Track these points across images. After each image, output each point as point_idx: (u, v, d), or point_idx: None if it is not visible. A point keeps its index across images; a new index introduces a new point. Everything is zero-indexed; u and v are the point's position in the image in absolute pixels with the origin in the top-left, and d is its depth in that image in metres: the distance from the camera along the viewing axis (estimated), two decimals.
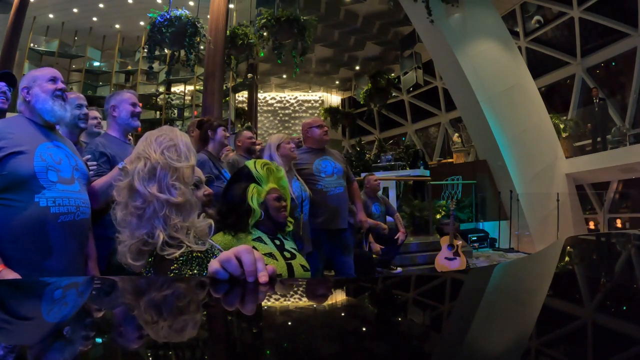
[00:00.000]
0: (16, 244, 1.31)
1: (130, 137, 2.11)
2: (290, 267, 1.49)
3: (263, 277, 0.65)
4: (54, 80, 1.50)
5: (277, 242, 1.57)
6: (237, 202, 1.52)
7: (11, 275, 1.24)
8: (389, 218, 4.71)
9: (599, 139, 7.79)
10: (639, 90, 7.68)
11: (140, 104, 2.01)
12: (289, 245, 1.62)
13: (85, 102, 2.09)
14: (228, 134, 2.59)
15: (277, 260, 1.47)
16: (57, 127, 1.61)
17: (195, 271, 0.93)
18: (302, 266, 1.55)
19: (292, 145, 2.64)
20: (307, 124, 2.85)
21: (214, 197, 1.56)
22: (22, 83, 1.50)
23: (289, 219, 1.63)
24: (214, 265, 0.67)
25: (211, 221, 1.06)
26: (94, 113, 2.48)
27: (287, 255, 1.54)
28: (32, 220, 1.32)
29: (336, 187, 2.73)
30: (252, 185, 1.54)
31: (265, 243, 1.53)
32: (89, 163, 1.71)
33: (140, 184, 0.96)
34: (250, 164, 1.61)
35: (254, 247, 1.43)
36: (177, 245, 0.95)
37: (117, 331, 0.53)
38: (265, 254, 1.46)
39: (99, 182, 1.68)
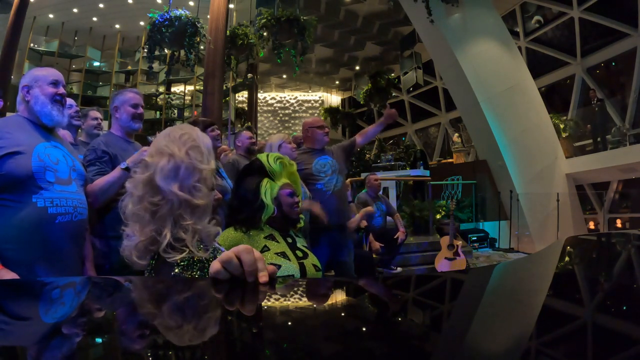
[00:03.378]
0: (13, 244, 1.30)
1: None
2: (302, 267, 1.45)
3: (263, 277, 0.66)
4: (55, 83, 1.49)
5: (289, 240, 1.52)
6: (249, 197, 1.46)
7: (9, 275, 1.24)
8: (389, 218, 4.73)
9: (598, 139, 7.81)
10: (639, 90, 7.67)
11: (142, 106, 2.01)
12: (301, 242, 1.57)
13: (73, 102, 2.10)
14: (217, 132, 2.55)
15: (289, 260, 1.43)
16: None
17: (197, 275, 0.92)
18: (314, 266, 1.50)
19: (294, 145, 2.65)
20: (308, 124, 2.84)
21: (219, 187, 1.52)
22: (23, 81, 1.48)
23: (301, 215, 1.58)
24: (215, 265, 0.68)
25: (219, 228, 1.04)
26: (95, 114, 2.48)
27: (299, 254, 1.49)
28: (30, 221, 1.32)
29: (335, 183, 2.74)
30: (266, 180, 1.48)
31: (278, 241, 1.47)
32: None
33: (163, 181, 0.94)
34: (262, 157, 1.54)
35: (266, 246, 1.43)
36: (180, 248, 0.93)
37: (118, 330, 0.52)
38: (277, 253, 1.43)
39: (100, 182, 1.68)
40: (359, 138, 2.96)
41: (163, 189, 0.94)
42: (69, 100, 2.10)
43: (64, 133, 1.99)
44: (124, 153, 1.82)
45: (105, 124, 2.59)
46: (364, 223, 3.07)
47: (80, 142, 2.44)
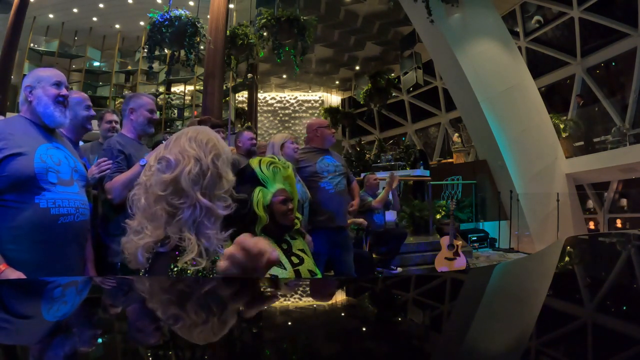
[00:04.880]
0: (16, 244, 1.31)
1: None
2: (298, 275, 1.41)
3: (274, 254, 0.67)
4: (58, 84, 1.50)
5: (285, 246, 1.47)
6: (241, 208, 1.38)
7: (14, 274, 1.25)
8: (388, 217, 4.75)
9: (594, 140, 7.88)
10: (639, 90, 7.67)
11: (156, 111, 2.04)
12: (297, 246, 1.52)
13: (91, 103, 2.12)
14: (222, 135, 2.60)
15: (285, 269, 1.39)
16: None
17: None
18: (310, 271, 1.46)
19: (296, 145, 2.66)
20: (315, 124, 2.87)
21: (242, 197, 1.48)
22: (25, 81, 1.49)
23: (297, 215, 1.52)
24: (221, 264, 0.68)
25: (229, 241, 1.02)
26: (110, 116, 2.50)
27: (295, 260, 1.45)
28: (32, 222, 1.32)
29: (337, 184, 2.76)
30: (258, 189, 1.42)
31: None
32: (103, 163, 1.75)
33: (189, 184, 0.92)
34: (254, 163, 1.48)
35: None
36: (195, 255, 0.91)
37: (122, 329, 0.53)
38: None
39: (120, 178, 1.72)
40: (357, 189, 3.12)
41: (188, 192, 0.92)
42: (88, 100, 2.12)
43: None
44: (137, 154, 1.87)
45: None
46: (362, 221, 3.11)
47: (97, 145, 2.47)
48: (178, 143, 0.98)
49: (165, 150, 0.98)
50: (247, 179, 1.45)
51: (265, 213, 1.40)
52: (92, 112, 2.10)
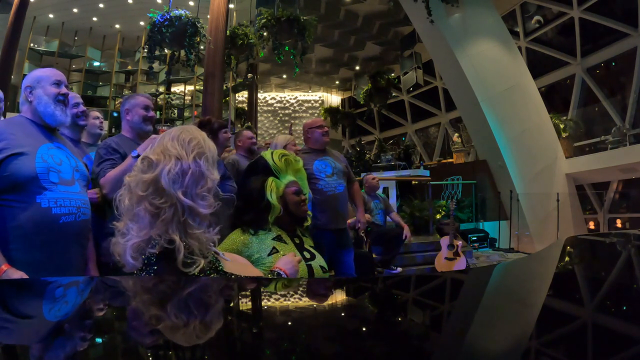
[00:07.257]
0: (18, 244, 1.31)
1: None
2: (310, 269, 1.42)
3: None
4: (58, 84, 1.50)
5: (297, 241, 1.49)
6: (255, 197, 1.43)
7: (16, 274, 1.25)
8: (388, 219, 4.75)
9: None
10: (639, 90, 7.67)
11: (153, 109, 2.05)
12: (308, 243, 1.54)
13: (81, 100, 2.14)
14: (229, 135, 2.62)
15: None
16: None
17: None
18: (322, 267, 1.48)
19: (298, 147, 2.68)
20: (307, 125, 2.86)
21: (227, 196, 1.51)
22: (25, 82, 1.49)
23: (308, 212, 1.54)
24: None
25: (219, 236, 1.02)
26: (95, 113, 2.52)
27: (307, 255, 1.46)
28: (34, 221, 1.33)
29: (336, 187, 2.73)
30: (271, 179, 1.45)
31: (286, 242, 1.44)
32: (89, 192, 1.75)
33: (168, 184, 0.92)
34: (267, 155, 1.52)
35: (274, 248, 1.40)
36: (191, 258, 0.91)
37: (126, 328, 0.53)
38: None
39: (114, 172, 1.72)
40: (359, 191, 3.08)
41: (168, 192, 0.91)
42: (77, 98, 2.13)
43: None
44: None
45: (104, 123, 2.62)
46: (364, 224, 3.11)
47: (83, 144, 2.47)
48: (161, 143, 0.99)
49: (149, 150, 0.99)
50: (260, 169, 1.48)
51: (278, 203, 1.43)
52: (82, 107, 2.12)
